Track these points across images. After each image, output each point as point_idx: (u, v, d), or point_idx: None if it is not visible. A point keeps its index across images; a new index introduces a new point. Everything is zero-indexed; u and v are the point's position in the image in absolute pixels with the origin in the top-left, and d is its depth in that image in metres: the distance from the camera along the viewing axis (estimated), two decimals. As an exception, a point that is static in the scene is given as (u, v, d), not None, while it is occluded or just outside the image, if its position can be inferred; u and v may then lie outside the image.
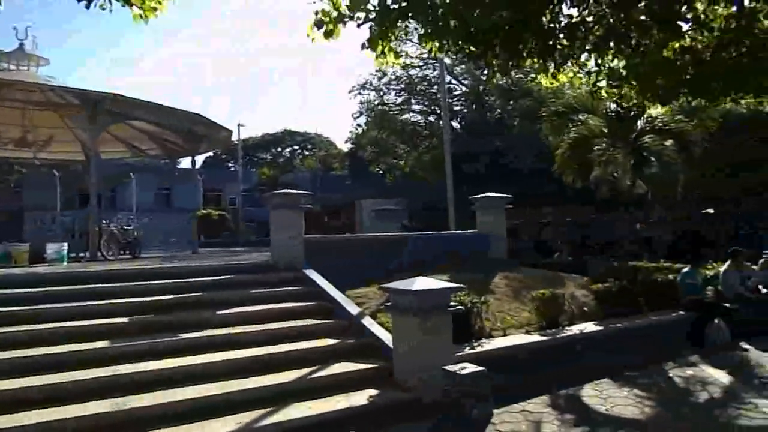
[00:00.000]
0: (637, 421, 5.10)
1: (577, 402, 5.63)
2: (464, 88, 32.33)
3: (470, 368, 5.27)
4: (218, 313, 6.71)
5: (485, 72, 29.90)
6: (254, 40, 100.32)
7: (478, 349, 6.36)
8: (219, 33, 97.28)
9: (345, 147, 46.75)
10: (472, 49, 4.91)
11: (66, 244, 10.66)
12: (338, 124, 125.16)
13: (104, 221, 12.03)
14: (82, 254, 11.37)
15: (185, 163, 16.43)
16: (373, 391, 5.30)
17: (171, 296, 6.95)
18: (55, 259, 10.15)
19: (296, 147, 64.07)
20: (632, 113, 14.52)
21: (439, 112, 31.09)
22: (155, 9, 4.00)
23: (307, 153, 62.81)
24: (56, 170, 23.03)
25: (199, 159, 18.20)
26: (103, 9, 3.79)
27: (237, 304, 6.99)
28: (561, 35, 5.14)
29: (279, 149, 63.91)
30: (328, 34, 4.61)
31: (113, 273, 7.85)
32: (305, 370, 5.58)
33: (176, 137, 14.61)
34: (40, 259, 10.11)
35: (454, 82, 31.62)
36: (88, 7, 3.68)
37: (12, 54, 14.45)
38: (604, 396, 5.69)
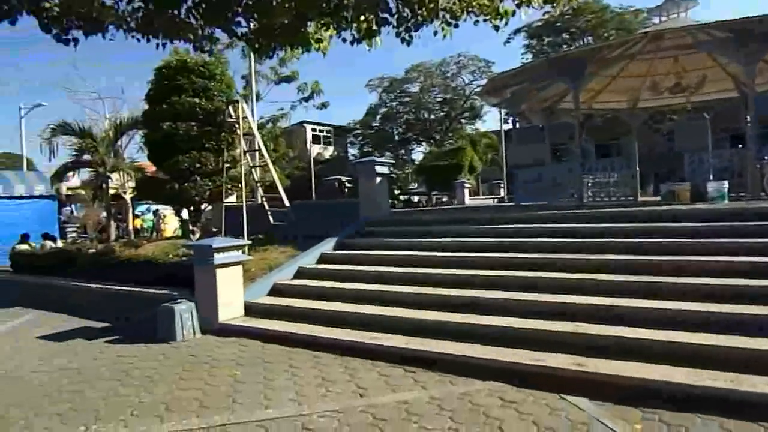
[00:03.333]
0: None
1: None
2: None
3: None
4: None
5: None
6: None
7: None
8: None
9: None
10: None
11: (726, 183, 10.68)
12: None
13: (765, 158, 11.24)
14: (743, 194, 11.08)
15: None
16: None
17: None
18: (715, 197, 10.36)
19: None
20: None
21: None
22: None
23: None
24: (706, 113, 23.11)
25: None
26: None
27: None
28: None
29: None
30: None
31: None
32: None
33: None
34: (700, 198, 10.58)
35: None
36: None
37: (662, 6, 15.29)
38: None
